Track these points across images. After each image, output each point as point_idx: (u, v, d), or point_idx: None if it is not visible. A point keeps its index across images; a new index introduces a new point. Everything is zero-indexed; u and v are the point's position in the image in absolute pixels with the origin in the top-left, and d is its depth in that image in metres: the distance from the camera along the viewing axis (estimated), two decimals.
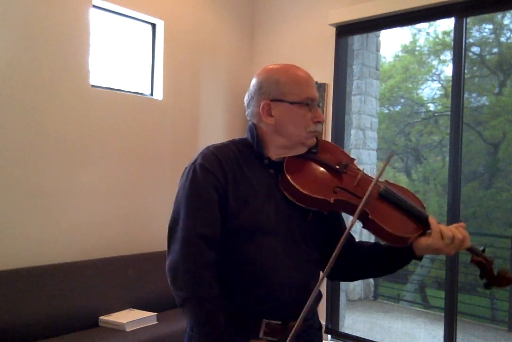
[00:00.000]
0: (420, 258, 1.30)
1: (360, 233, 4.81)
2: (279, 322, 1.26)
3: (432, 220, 1.25)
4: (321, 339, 1.43)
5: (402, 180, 9.36)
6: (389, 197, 1.29)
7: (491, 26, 8.54)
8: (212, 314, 1.19)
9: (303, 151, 1.32)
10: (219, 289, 1.22)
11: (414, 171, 9.92)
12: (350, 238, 1.40)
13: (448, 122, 3.29)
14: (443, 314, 3.17)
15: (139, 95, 3.36)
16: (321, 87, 3.60)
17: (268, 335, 1.25)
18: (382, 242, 1.32)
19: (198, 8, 3.66)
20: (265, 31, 4.04)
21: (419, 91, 10.06)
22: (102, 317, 2.67)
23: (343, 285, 3.83)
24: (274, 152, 1.32)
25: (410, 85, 10.00)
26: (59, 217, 2.84)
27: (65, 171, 2.87)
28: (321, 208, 1.27)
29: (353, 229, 1.38)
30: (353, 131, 5.42)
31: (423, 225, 1.27)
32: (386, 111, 9.97)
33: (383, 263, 1.35)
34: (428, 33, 9.57)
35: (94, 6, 3.04)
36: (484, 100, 8.72)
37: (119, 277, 2.91)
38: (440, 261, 6.47)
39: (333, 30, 3.56)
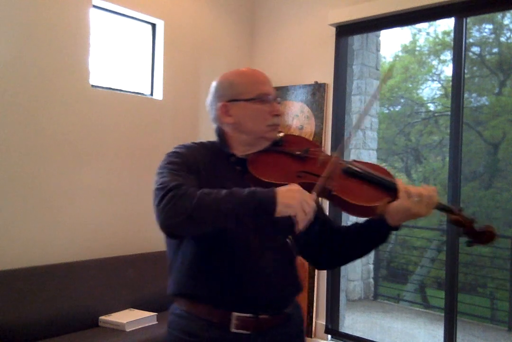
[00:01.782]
0: (396, 228, 1.31)
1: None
2: (250, 315, 1.26)
3: (398, 181, 1.31)
4: (302, 334, 1.41)
5: (402, 180, 9.38)
6: (352, 172, 1.35)
7: (491, 26, 8.55)
8: (215, 194, 1.13)
9: (266, 145, 1.37)
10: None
11: (414, 170, 9.93)
12: (331, 224, 1.43)
13: (448, 122, 3.30)
14: (443, 314, 3.16)
15: (139, 95, 3.36)
16: (321, 87, 3.60)
17: (239, 329, 1.25)
18: (358, 219, 1.36)
19: (198, 8, 3.66)
20: (265, 31, 4.04)
21: (419, 91, 10.07)
22: (102, 317, 2.67)
23: (343, 285, 3.83)
24: (239, 149, 1.37)
25: (410, 85, 10.01)
26: (59, 217, 2.84)
27: (65, 171, 2.87)
28: None
29: (342, 220, 1.43)
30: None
31: (391, 192, 1.30)
32: (386, 111, 9.98)
33: (362, 241, 1.37)
34: (428, 33, 9.59)
35: (94, 6, 3.04)
36: (484, 100, 8.74)
37: (119, 277, 2.91)
38: (440, 261, 6.48)
39: (333, 30, 3.56)
